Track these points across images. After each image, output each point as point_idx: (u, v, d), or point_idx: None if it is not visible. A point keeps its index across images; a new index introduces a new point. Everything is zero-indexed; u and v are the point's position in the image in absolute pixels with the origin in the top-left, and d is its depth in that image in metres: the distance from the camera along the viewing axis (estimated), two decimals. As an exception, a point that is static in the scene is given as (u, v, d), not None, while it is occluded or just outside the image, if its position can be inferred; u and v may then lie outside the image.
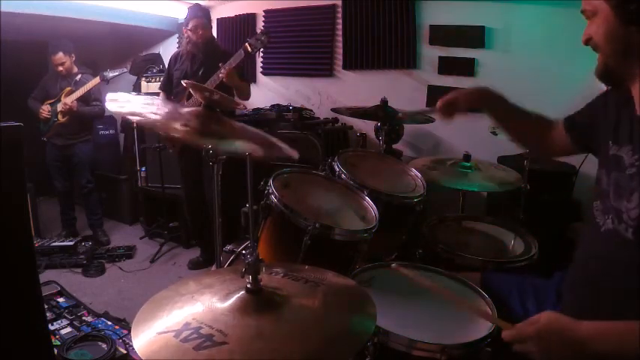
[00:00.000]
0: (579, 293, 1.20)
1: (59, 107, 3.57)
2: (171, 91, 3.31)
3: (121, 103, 1.38)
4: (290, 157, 1.43)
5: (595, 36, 1.08)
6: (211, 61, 3.09)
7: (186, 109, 1.45)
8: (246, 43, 2.88)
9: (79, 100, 3.58)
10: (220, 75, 2.88)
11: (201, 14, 3.13)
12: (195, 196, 3.37)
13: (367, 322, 0.95)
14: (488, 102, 1.47)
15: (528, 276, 1.51)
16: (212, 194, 1.66)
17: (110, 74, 3.68)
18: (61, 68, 3.57)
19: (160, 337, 0.84)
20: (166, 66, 3.76)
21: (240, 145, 1.40)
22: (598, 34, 1.07)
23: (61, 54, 3.53)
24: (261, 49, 3.03)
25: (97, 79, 3.61)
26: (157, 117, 1.35)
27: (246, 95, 3.11)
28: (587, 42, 1.13)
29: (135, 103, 1.48)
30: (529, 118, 1.47)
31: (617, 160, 1.12)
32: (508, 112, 1.46)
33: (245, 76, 3.20)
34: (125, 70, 3.90)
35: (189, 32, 3.14)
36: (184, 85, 1.70)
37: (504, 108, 1.46)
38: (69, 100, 3.52)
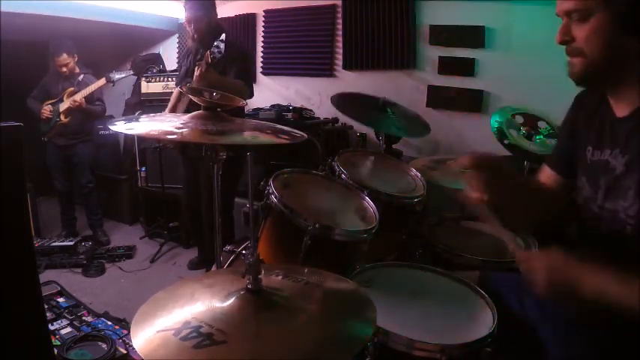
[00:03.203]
0: None
1: (62, 107, 3.57)
2: None
3: (129, 126, 1.37)
4: (301, 137, 1.41)
5: (582, 40, 1.05)
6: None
7: (187, 115, 1.44)
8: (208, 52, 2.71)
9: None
10: (196, 74, 2.73)
11: (192, 6, 2.93)
12: (194, 195, 3.37)
13: (367, 324, 0.95)
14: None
15: None
16: (210, 193, 1.65)
17: (117, 76, 3.70)
18: (65, 69, 3.58)
19: (159, 335, 0.84)
20: (167, 66, 3.76)
21: (249, 135, 1.38)
22: (589, 39, 1.04)
23: (65, 55, 3.53)
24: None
25: (103, 80, 3.62)
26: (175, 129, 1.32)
27: (241, 93, 2.78)
28: (566, 42, 1.09)
29: (143, 125, 1.45)
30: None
31: (603, 164, 1.12)
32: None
33: (241, 75, 2.98)
34: (131, 72, 3.89)
35: (185, 27, 3.06)
36: (181, 90, 1.69)
37: None
38: (78, 98, 3.53)
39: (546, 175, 1.38)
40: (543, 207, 1.35)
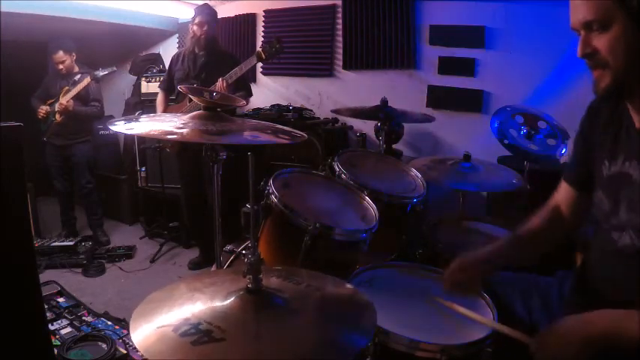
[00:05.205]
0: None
1: (57, 107, 3.57)
2: (171, 91, 3.31)
3: (129, 126, 1.37)
4: (300, 137, 1.41)
5: (607, 50, 0.98)
6: (214, 62, 3.10)
7: (187, 115, 1.44)
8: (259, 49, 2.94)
9: (77, 100, 3.57)
10: (219, 85, 2.90)
11: (207, 12, 3.19)
12: (195, 195, 3.37)
13: (366, 328, 0.95)
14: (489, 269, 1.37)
15: (530, 274, 1.50)
16: (213, 194, 1.65)
17: (101, 73, 3.67)
18: (61, 67, 3.57)
19: (158, 330, 0.84)
20: (167, 66, 3.74)
21: (248, 135, 1.38)
22: (613, 48, 0.97)
23: (61, 52, 3.53)
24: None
25: (88, 79, 3.60)
26: (174, 129, 1.32)
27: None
28: (589, 55, 1.02)
29: (143, 125, 1.45)
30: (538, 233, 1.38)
31: (622, 177, 1.08)
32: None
33: (241, 86, 3.19)
34: (114, 69, 3.86)
35: (194, 27, 3.17)
36: (181, 90, 1.69)
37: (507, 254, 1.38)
38: (64, 100, 3.52)
39: (563, 189, 1.36)
40: (543, 246, 1.40)
